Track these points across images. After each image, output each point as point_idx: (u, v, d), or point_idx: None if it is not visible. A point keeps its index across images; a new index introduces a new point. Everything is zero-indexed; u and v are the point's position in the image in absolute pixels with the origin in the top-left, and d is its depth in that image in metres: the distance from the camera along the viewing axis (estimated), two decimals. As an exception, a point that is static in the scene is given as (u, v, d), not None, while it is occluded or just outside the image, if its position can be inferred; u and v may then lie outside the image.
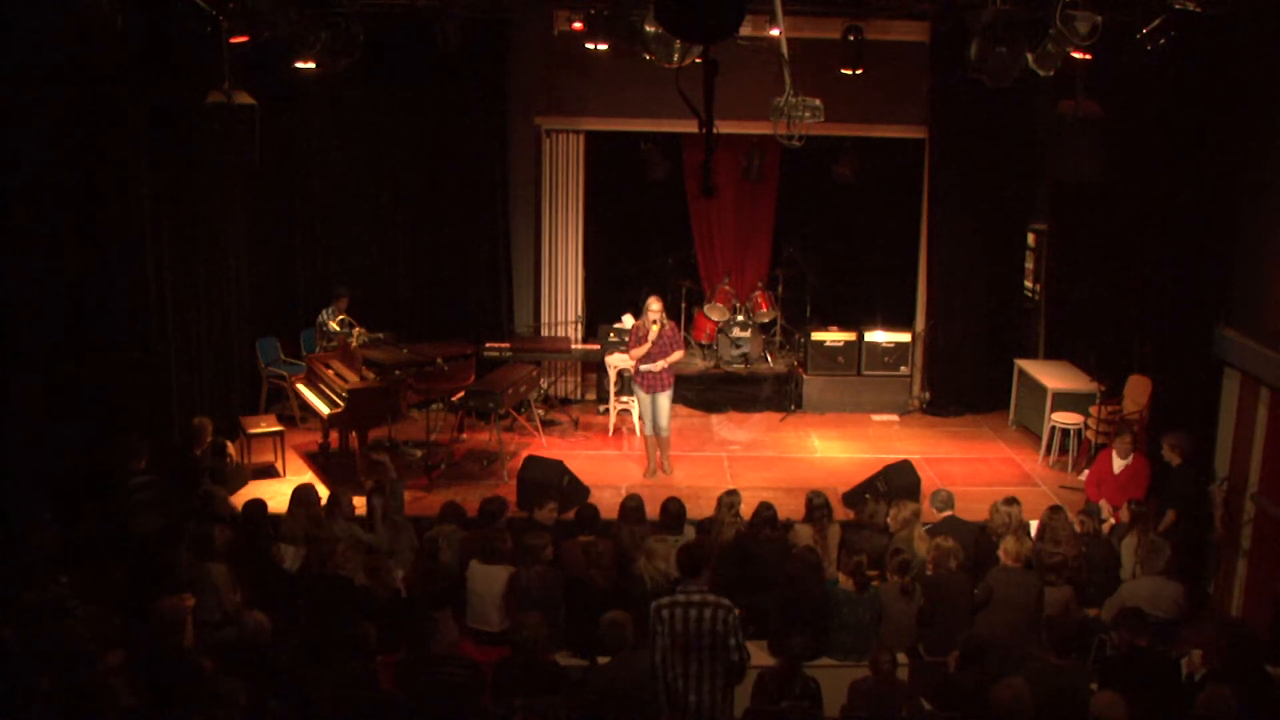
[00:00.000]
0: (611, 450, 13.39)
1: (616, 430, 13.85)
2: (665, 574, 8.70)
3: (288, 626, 7.95)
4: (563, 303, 15.03)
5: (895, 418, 14.82)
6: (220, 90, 9.04)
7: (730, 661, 7.19)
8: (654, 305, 12.22)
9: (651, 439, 12.47)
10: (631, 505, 9.79)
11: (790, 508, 10.27)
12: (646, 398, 12.24)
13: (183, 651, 7.34)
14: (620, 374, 13.78)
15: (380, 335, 13.71)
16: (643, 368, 12.16)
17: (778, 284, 15.71)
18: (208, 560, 8.47)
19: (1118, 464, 10.78)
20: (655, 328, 12.10)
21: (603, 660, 7.73)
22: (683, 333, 15.43)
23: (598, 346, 14.24)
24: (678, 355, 12.29)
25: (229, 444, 11.42)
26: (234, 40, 9.06)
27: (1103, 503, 10.68)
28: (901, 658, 8.45)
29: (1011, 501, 9.68)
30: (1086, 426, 12.67)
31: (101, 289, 10.50)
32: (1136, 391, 12.02)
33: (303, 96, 13.37)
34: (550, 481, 11.07)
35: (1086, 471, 11.54)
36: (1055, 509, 9.75)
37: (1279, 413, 10.01)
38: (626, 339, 13.72)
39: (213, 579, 8.31)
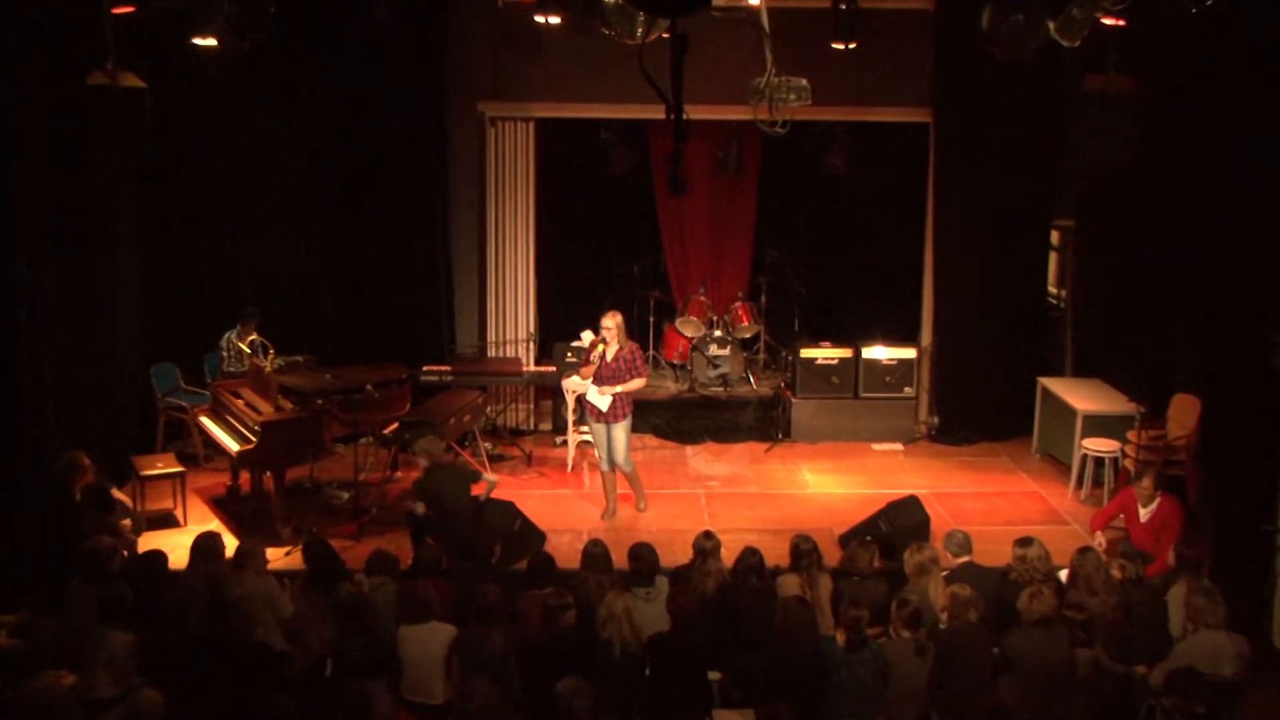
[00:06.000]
0: (570, 489, 13.33)
1: (575, 465, 13.82)
2: (635, 635, 8.58)
3: (186, 702, 7.75)
4: (512, 318, 15.01)
5: (899, 447, 14.84)
6: (103, 71, 8.86)
7: None
8: (606, 322, 12.02)
9: (610, 475, 12.31)
10: (597, 552, 9.67)
11: (779, 553, 10.22)
12: (600, 429, 12.09)
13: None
14: (579, 400, 13.65)
15: (299, 358, 13.63)
16: (589, 397, 12.03)
17: (760, 294, 15.79)
18: (110, 628, 8.22)
19: (1143, 512, 10.65)
20: (603, 348, 11.93)
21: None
22: (651, 352, 15.38)
23: (553, 369, 14.20)
24: (637, 384, 12.04)
25: (115, 490, 11.19)
26: (117, 11, 8.88)
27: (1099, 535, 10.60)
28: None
29: (1026, 543, 9.54)
30: (1124, 455, 12.60)
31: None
32: (1182, 413, 12.00)
33: (203, 80, 13.16)
34: (500, 526, 10.99)
35: (1093, 515, 11.42)
36: (1085, 550, 9.66)
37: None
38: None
39: (113, 649, 8.06)
